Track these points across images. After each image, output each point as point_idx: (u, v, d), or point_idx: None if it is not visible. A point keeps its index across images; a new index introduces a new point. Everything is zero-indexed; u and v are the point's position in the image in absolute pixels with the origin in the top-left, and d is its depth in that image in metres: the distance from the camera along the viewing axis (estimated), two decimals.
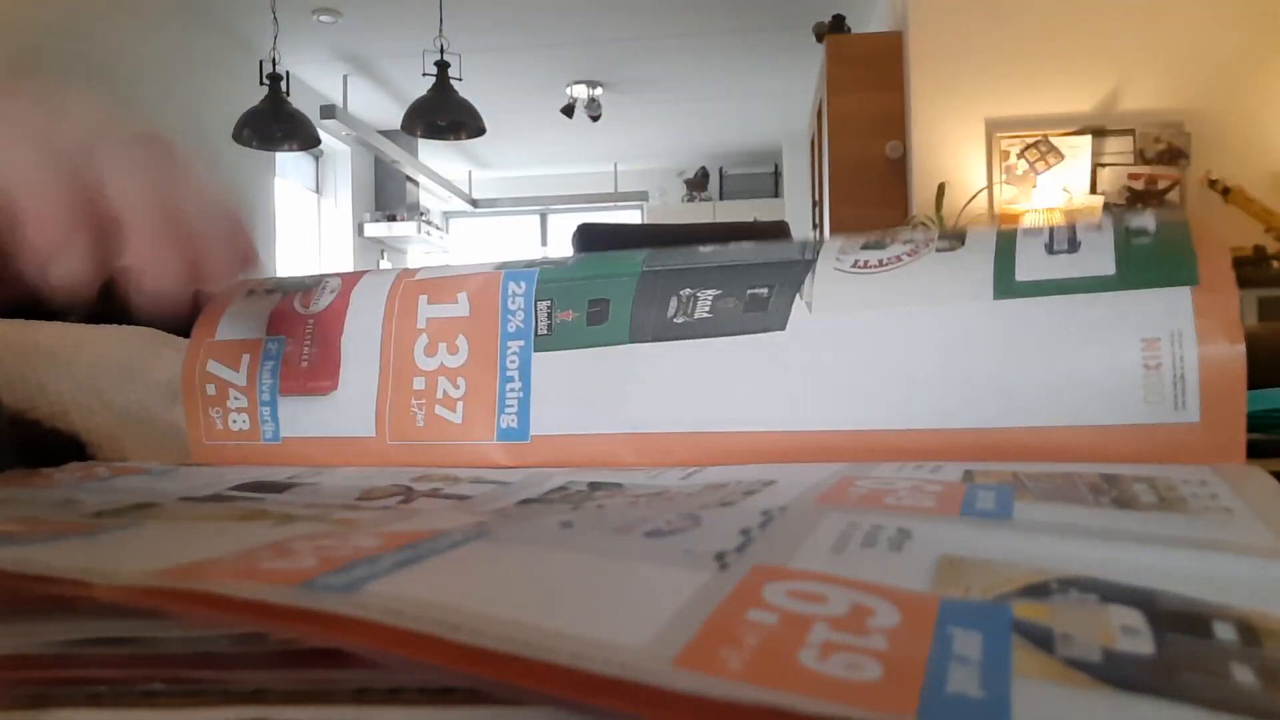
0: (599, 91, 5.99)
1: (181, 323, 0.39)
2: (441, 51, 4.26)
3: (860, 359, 0.30)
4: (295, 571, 0.13)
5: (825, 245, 0.34)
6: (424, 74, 4.32)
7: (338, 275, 0.40)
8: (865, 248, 0.33)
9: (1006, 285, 0.30)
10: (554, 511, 0.22)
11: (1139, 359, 0.27)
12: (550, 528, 0.18)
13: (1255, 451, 0.24)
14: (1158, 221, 0.30)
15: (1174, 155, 3.69)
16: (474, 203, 8.02)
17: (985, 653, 0.12)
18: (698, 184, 7.80)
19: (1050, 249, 0.31)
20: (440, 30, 4.38)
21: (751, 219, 4.87)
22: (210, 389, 0.38)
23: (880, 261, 0.32)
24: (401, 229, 6.81)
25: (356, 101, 6.04)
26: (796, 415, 0.31)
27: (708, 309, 0.32)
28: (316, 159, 6.38)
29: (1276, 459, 0.24)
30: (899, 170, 3.92)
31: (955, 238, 0.33)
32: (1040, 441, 0.28)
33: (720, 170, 7.87)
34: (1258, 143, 3.67)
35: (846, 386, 0.30)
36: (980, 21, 3.76)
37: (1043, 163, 3.75)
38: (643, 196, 7.80)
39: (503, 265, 0.37)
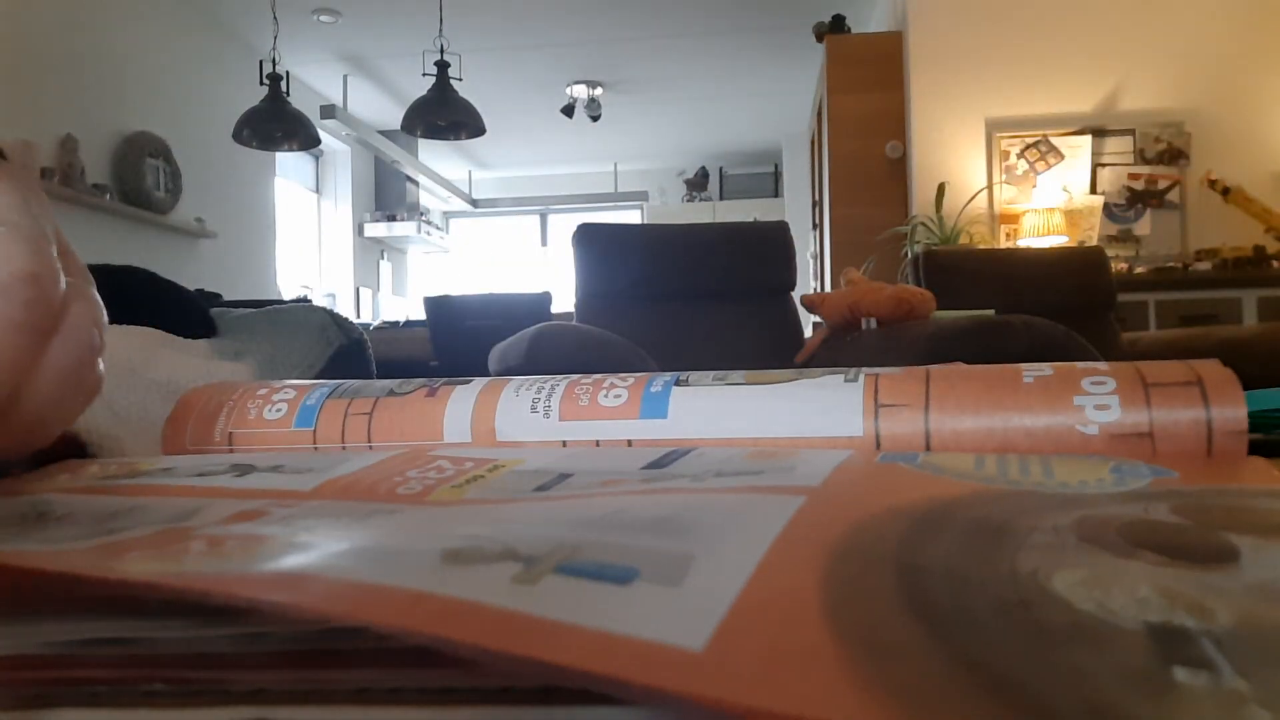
0: (599, 91, 5.99)
1: None
2: (441, 51, 4.26)
3: None
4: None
5: None
6: (424, 74, 4.33)
7: None
8: None
9: None
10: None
11: None
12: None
13: (1255, 451, 0.24)
14: None
15: (1174, 155, 3.70)
16: (474, 203, 8.03)
17: None
18: (698, 184, 7.80)
19: None
20: (440, 30, 4.38)
21: (751, 219, 4.88)
22: None
23: None
24: (401, 229, 6.82)
25: (356, 101, 6.04)
26: None
27: None
28: (316, 159, 6.38)
29: (1277, 459, 0.24)
30: (899, 170, 3.92)
31: None
32: None
33: (720, 170, 7.87)
34: (1258, 143, 3.67)
35: None
36: (980, 21, 3.76)
37: (1043, 163, 3.75)
38: (643, 196, 7.81)
39: None
